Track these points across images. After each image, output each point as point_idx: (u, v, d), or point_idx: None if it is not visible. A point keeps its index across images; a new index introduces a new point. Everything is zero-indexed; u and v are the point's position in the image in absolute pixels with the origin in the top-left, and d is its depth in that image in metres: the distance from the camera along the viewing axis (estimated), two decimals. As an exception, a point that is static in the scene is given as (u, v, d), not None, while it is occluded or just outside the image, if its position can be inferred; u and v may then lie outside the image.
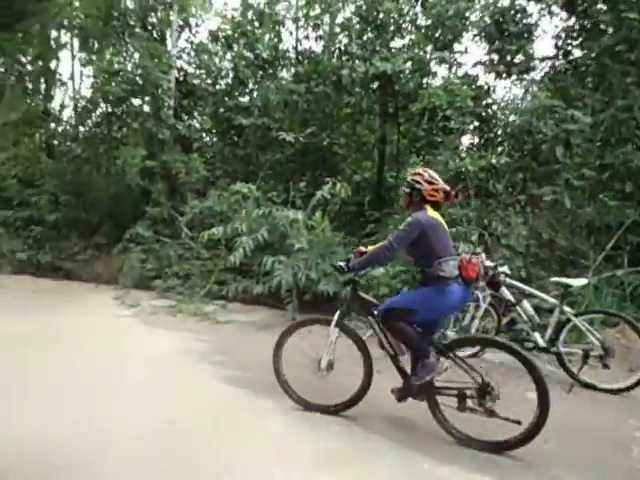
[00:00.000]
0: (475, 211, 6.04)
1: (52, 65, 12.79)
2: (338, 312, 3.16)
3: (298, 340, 3.33)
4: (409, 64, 7.75)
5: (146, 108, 10.25)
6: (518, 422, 2.60)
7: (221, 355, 3.50)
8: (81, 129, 11.60)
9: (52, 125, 11.83)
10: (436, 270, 2.75)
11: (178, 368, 3.91)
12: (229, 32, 9.98)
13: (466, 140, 7.98)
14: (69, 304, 6.85)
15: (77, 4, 11.35)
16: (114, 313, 6.27)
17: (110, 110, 10.24)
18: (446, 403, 2.84)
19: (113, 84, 9.15)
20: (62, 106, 12.85)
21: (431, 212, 2.88)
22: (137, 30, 9.94)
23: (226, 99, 10.00)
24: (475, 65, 7.62)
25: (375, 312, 3.01)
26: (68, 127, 12.10)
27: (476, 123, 7.58)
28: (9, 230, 9.96)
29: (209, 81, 10.66)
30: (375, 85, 8.13)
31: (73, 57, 12.65)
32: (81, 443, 2.61)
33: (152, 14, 10.39)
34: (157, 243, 8.22)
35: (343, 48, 8.43)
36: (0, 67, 12.41)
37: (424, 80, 8.05)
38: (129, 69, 9.79)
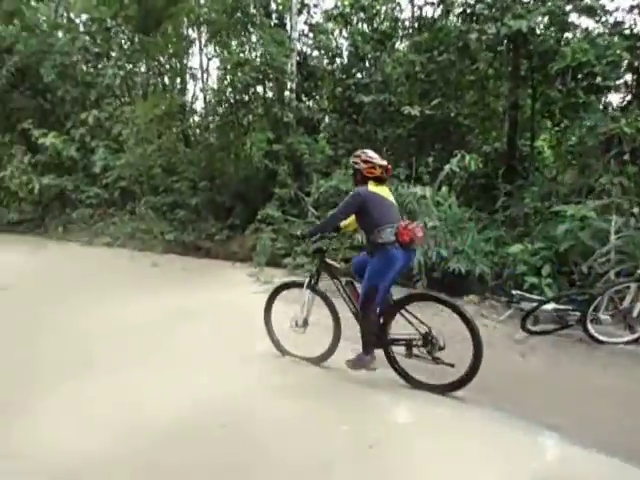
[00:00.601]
0: (633, 179, 5.32)
1: (184, 61, 13.98)
2: (309, 276, 3.68)
3: (283, 302, 3.93)
4: (544, 18, 6.96)
5: (269, 93, 10.69)
6: (452, 365, 3.16)
7: (350, 330, 3.76)
8: (211, 119, 12.48)
9: (188, 117, 12.89)
10: (376, 237, 3.18)
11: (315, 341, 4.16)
12: (347, 9, 9.91)
13: (615, 99, 7.05)
14: (211, 281, 7.47)
15: (203, 1, 12.14)
16: (250, 289, 6.66)
17: (237, 98, 10.82)
18: (398, 352, 3.39)
19: (240, 73, 9.64)
20: (194, 98, 14.03)
21: (372, 187, 3.30)
22: (260, 18, 10.32)
23: (344, 77, 10.00)
24: (631, 10, 6.61)
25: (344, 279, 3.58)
26: (201, 118, 13.11)
27: (628, 78, 6.64)
28: (158, 214, 11.24)
29: (326, 61, 10.74)
30: (504, 47, 7.49)
31: (201, 51, 13.68)
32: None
33: (272, 1, 10.72)
34: (285, 223, 8.59)
35: (469, 10, 7.82)
36: (142, 68, 13.92)
37: (564, 35, 7.19)
38: (254, 57, 10.25)
